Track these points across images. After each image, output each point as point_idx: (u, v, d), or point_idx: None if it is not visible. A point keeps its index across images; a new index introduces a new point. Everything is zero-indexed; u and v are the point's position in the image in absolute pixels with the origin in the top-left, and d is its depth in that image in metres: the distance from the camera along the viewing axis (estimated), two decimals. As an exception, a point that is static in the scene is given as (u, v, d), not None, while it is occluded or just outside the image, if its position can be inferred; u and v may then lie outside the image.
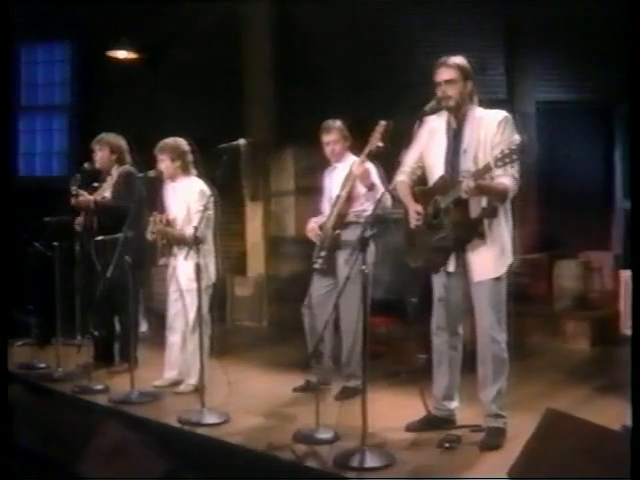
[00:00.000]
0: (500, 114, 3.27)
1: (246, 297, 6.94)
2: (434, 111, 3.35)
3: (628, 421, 2.41)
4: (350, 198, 4.17)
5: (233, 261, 6.76)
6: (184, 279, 4.41)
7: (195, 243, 4.07)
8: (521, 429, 3.09)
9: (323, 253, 4.19)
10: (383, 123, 3.93)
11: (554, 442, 2.46)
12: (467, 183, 3.11)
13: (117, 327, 4.97)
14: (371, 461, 3.11)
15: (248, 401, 4.11)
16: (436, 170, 3.38)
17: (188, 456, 3.35)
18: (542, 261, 6.21)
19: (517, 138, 3.09)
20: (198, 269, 4.00)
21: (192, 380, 4.34)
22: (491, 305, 3.28)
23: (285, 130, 6.83)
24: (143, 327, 5.63)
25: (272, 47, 6.94)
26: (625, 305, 5.04)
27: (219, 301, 4.97)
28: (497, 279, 3.28)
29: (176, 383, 4.47)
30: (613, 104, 6.58)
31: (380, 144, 3.93)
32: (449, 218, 3.28)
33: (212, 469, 3.28)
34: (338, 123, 4.28)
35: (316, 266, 4.21)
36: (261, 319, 6.91)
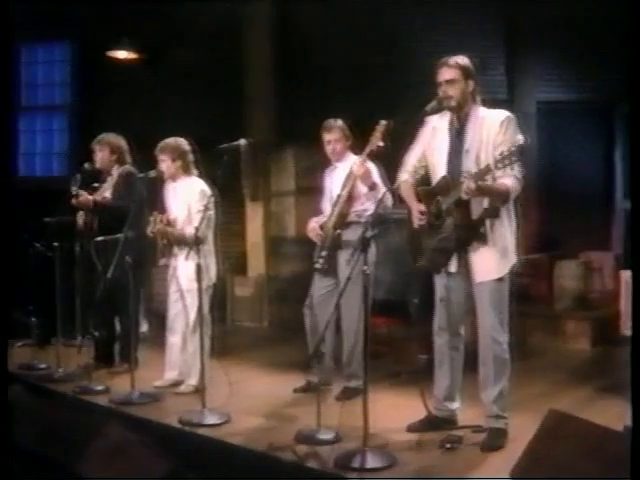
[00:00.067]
0: (503, 114, 3.26)
1: (246, 297, 6.94)
2: (435, 111, 3.35)
3: (629, 421, 2.40)
4: (351, 198, 4.17)
5: (233, 261, 6.76)
6: (184, 279, 4.40)
7: (196, 243, 4.07)
8: (522, 430, 3.09)
9: (324, 253, 4.18)
10: (384, 123, 3.93)
11: (556, 442, 2.46)
12: (468, 184, 3.10)
13: (117, 327, 4.96)
14: (372, 462, 3.11)
15: (249, 401, 4.10)
16: (439, 170, 3.37)
17: (189, 457, 3.34)
18: (542, 261, 6.21)
19: (520, 138, 3.09)
20: (199, 269, 4.00)
21: (193, 381, 4.34)
22: (493, 306, 3.28)
23: (285, 130, 6.83)
24: (143, 327, 5.62)
25: (272, 47, 6.94)
26: (625, 305, 5.03)
27: (219, 301, 4.97)
28: (499, 280, 3.28)
29: (177, 384, 4.47)
30: (613, 104, 6.57)
31: (381, 144, 3.92)
32: (450, 219, 3.28)
33: (213, 470, 3.28)
34: (339, 122, 4.28)
35: (317, 266, 4.21)
36: (261, 319, 6.90)
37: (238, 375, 4.47)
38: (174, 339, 4.54)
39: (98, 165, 4.96)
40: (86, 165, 4.94)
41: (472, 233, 3.28)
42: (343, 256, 4.12)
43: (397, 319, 4.93)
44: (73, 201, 4.81)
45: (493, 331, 3.29)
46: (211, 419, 3.76)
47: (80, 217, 4.92)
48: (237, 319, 6.96)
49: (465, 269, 3.34)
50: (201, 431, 3.66)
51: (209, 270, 4.34)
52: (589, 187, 6.70)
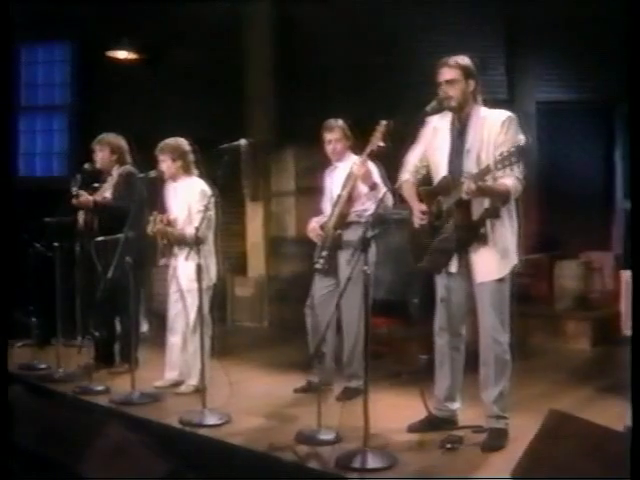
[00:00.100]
0: (504, 114, 3.26)
1: (247, 297, 6.94)
2: (435, 111, 3.35)
3: (629, 421, 2.40)
4: (351, 198, 4.16)
5: (233, 261, 6.76)
6: (185, 280, 4.40)
7: (196, 243, 4.07)
8: (523, 430, 3.08)
9: (324, 253, 4.18)
10: (384, 123, 3.93)
11: (557, 443, 2.46)
12: (468, 185, 3.10)
13: (118, 328, 4.96)
14: (373, 462, 3.11)
15: (249, 402, 4.10)
16: (440, 170, 3.37)
17: (189, 457, 3.34)
18: (543, 261, 6.21)
19: (521, 138, 3.09)
20: (199, 270, 3.99)
21: (193, 381, 4.34)
22: (493, 306, 3.28)
23: (286, 130, 6.83)
24: (144, 328, 5.62)
25: (272, 47, 6.94)
26: (626, 305, 5.03)
27: (220, 301, 4.97)
28: (500, 280, 3.27)
29: (177, 384, 4.47)
30: (613, 104, 6.57)
31: (381, 144, 3.92)
32: (451, 219, 3.28)
33: (213, 470, 3.28)
34: (340, 122, 4.28)
35: (317, 266, 4.20)
36: (262, 319, 6.90)
37: (238, 375, 4.47)
38: (174, 339, 4.54)
39: (98, 165, 4.96)
40: (86, 165, 4.94)
41: (472, 234, 3.28)
42: (343, 256, 4.12)
43: (397, 319, 4.92)
44: (73, 201, 4.80)
45: (494, 331, 3.29)
46: (211, 419, 3.76)
47: (80, 217, 4.92)
48: (237, 319, 6.96)
49: (466, 269, 3.34)
50: (201, 431, 3.66)
51: (209, 270, 4.34)
52: (589, 187, 6.71)
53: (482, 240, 3.27)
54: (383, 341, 4.91)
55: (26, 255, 5.22)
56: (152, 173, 4.45)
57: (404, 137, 3.51)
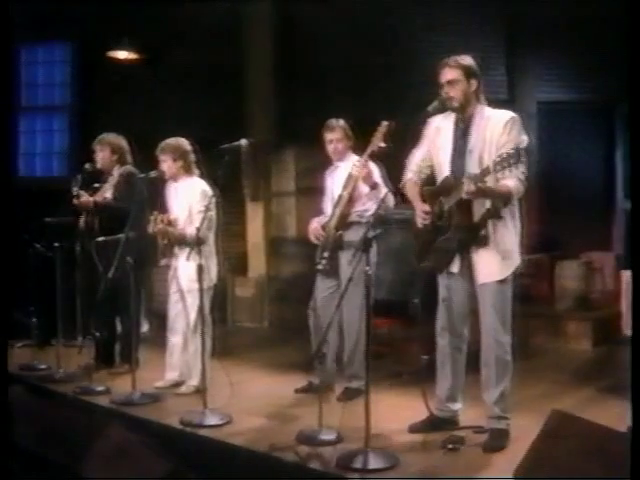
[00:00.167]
0: (507, 115, 3.25)
1: (247, 298, 6.94)
2: (437, 111, 3.35)
3: (629, 421, 2.40)
4: (352, 198, 4.16)
5: (234, 262, 6.75)
6: (185, 280, 4.39)
7: (197, 244, 4.06)
8: (525, 430, 3.09)
9: (326, 254, 4.17)
10: (385, 123, 3.92)
11: (560, 443, 2.45)
12: (467, 185, 3.09)
13: (118, 328, 4.96)
14: (374, 462, 3.10)
15: (250, 402, 4.10)
16: (443, 170, 3.37)
17: (190, 457, 3.34)
18: (544, 261, 6.21)
19: (524, 139, 3.08)
20: (200, 270, 3.99)
21: (193, 381, 4.33)
22: (495, 307, 3.27)
23: (286, 130, 6.82)
24: (144, 328, 5.62)
25: (273, 47, 6.94)
26: (627, 305, 5.03)
27: (220, 302, 4.96)
28: (502, 282, 3.27)
29: (177, 384, 4.46)
30: (614, 104, 6.57)
31: (382, 144, 3.92)
32: (452, 220, 3.27)
33: (214, 470, 3.28)
34: (341, 122, 4.27)
35: (319, 267, 4.19)
36: (262, 320, 6.90)
37: (239, 376, 4.46)
38: (175, 340, 4.54)
39: (99, 165, 4.95)
40: (87, 165, 4.94)
41: (473, 234, 3.28)
42: (344, 257, 4.11)
43: (398, 319, 4.92)
44: (74, 201, 4.80)
45: (495, 332, 3.29)
46: (212, 420, 3.76)
47: (81, 218, 4.92)
48: (238, 320, 6.96)
49: (468, 270, 3.33)
50: (202, 432, 3.66)
51: (210, 271, 4.33)
52: (590, 187, 6.71)
53: (483, 241, 3.27)
54: (384, 341, 4.91)
55: (26, 255, 5.22)
56: (153, 173, 4.44)
57: (405, 138, 3.51)
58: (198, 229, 4.05)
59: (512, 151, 2.95)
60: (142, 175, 4.56)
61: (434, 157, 3.44)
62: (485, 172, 3.08)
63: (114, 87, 7.33)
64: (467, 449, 3.28)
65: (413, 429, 3.52)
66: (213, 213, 4.29)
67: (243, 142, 4.19)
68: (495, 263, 3.26)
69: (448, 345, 3.46)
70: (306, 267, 4.93)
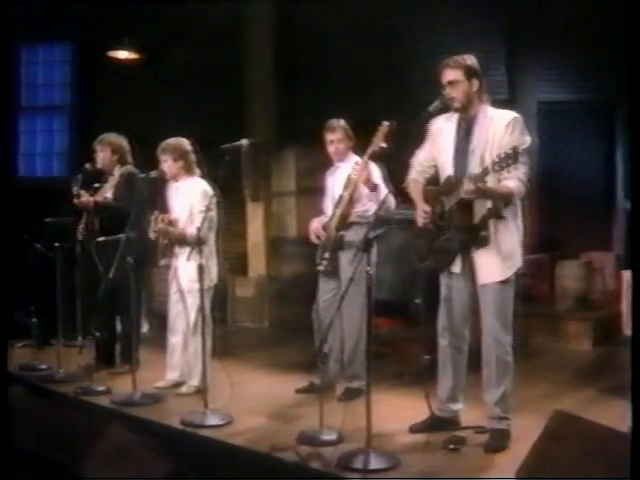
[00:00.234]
0: (510, 115, 3.24)
1: (247, 298, 6.94)
2: (438, 111, 3.34)
3: (629, 422, 2.40)
4: (353, 199, 4.15)
5: (234, 262, 6.75)
6: (185, 280, 4.39)
7: (197, 244, 4.06)
8: (526, 430, 3.09)
9: (327, 254, 4.17)
10: (386, 124, 3.92)
11: (562, 443, 2.45)
12: (467, 185, 3.09)
13: (119, 328, 4.95)
14: (375, 463, 3.10)
15: (251, 402, 4.09)
16: (446, 170, 3.37)
17: (191, 458, 3.34)
18: (544, 261, 6.20)
19: (527, 140, 3.08)
20: (201, 270, 3.98)
21: (194, 381, 4.33)
22: (496, 308, 3.27)
23: (286, 130, 6.82)
24: (144, 328, 5.62)
25: (273, 47, 6.94)
26: (627, 305, 5.02)
27: (220, 302, 4.96)
28: (503, 282, 3.26)
29: (178, 384, 4.46)
30: (614, 104, 6.57)
31: (383, 145, 3.91)
32: (452, 220, 3.27)
33: (215, 471, 3.28)
34: (342, 122, 4.27)
35: (320, 267, 4.19)
36: (262, 320, 6.90)
37: (239, 376, 4.46)
38: (175, 340, 4.54)
39: (99, 165, 4.95)
40: (87, 165, 4.94)
41: (474, 235, 3.27)
42: (345, 257, 4.11)
43: (399, 319, 4.92)
44: (74, 201, 4.80)
45: (496, 333, 3.28)
46: (213, 420, 3.76)
47: (82, 218, 4.91)
48: (238, 320, 6.95)
49: (469, 270, 3.33)
50: (203, 432, 3.65)
51: (210, 271, 4.33)
52: (590, 187, 6.71)
53: (484, 242, 3.26)
54: (384, 341, 4.90)
55: (26, 255, 5.21)
56: (153, 173, 4.44)
57: (406, 138, 3.50)
58: (199, 229, 4.05)
59: (510, 151, 2.95)
60: (143, 175, 4.56)
61: (437, 157, 3.44)
62: (485, 172, 3.08)
63: (114, 87, 7.34)
64: (468, 449, 3.28)
65: (414, 429, 3.52)
66: (214, 213, 4.28)
67: (244, 142, 4.19)
68: (496, 264, 3.25)
69: (449, 345, 3.45)
70: (306, 267, 4.92)
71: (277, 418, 3.89)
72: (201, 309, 4.16)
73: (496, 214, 3.24)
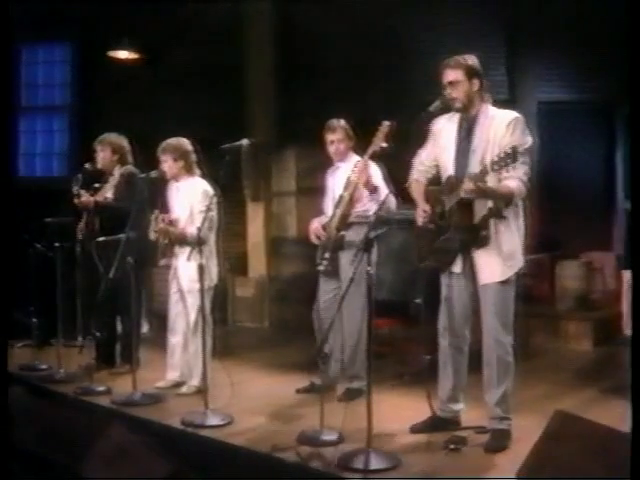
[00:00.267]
0: (511, 115, 3.24)
1: (247, 298, 6.94)
2: (439, 111, 3.34)
3: (629, 422, 2.40)
4: (353, 199, 4.15)
5: (234, 262, 6.75)
6: (185, 280, 4.39)
7: (198, 244, 4.06)
8: (527, 431, 3.09)
9: (327, 254, 4.17)
10: (387, 123, 3.92)
11: (563, 443, 2.45)
12: (466, 184, 3.09)
13: (119, 328, 4.95)
14: (376, 463, 3.10)
15: (251, 402, 4.09)
16: (448, 170, 3.37)
17: (191, 458, 3.34)
18: (544, 261, 6.20)
19: (528, 140, 3.08)
20: (201, 270, 3.98)
21: (194, 381, 4.33)
22: (496, 308, 3.27)
23: (287, 130, 6.82)
24: (144, 328, 5.61)
25: (273, 47, 6.94)
26: (627, 305, 5.02)
27: (220, 302, 4.96)
28: (504, 282, 3.26)
29: (178, 384, 4.45)
30: (615, 104, 6.56)
31: (384, 145, 3.91)
32: (452, 219, 3.27)
33: (215, 471, 3.28)
34: (342, 122, 4.26)
35: (321, 267, 4.18)
36: (262, 320, 6.89)
37: (240, 376, 4.46)
38: (175, 340, 4.53)
39: (100, 165, 4.95)
40: (87, 165, 4.93)
41: (474, 235, 3.27)
42: (345, 257, 4.11)
43: (399, 320, 4.91)
44: (75, 201, 4.80)
45: (496, 333, 3.28)
46: (213, 420, 3.75)
47: (82, 218, 4.91)
48: (238, 320, 6.95)
49: (470, 270, 3.33)
50: (203, 432, 3.65)
51: (210, 271, 4.32)
52: (590, 187, 6.70)
53: (483, 242, 3.26)
54: (385, 342, 4.90)
55: (27, 255, 5.21)
56: (153, 173, 4.44)
57: (407, 138, 3.50)
58: (199, 229, 4.05)
59: (510, 151, 2.95)
60: (143, 175, 4.56)
61: (439, 157, 3.44)
62: (484, 171, 3.08)
63: (114, 87, 7.33)
64: (469, 449, 3.28)
65: (415, 429, 3.52)
66: (214, 213, 4.28)
67: (244, 142, 4.19)
68: (497, 264, 3.25)
69: (449, 346, 3.45)
70: (307, 267, 4.92)
71: (277, 418, 3.89)
72: (201, 309, 4.15)
73: (497, 214, 3.24)
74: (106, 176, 4.96)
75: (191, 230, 4.22)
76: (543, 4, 6.35)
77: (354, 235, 4.07)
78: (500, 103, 3.49)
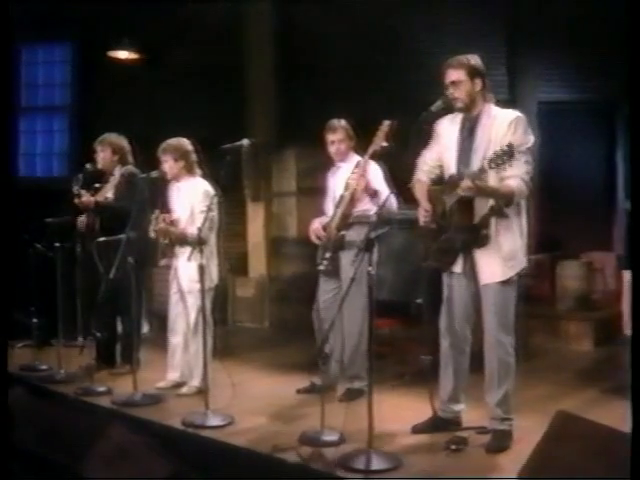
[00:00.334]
0: (512, 114, 3.24)
1: (248, 298, 6.93)
2: (440, 110, 3.34)
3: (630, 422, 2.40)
4: (354, 199, 4.14)
5: (234, 262, 6.74)
6: (186, 280, 4.39)
7: (198, 244, 4.05)
8: (528, 431, 3.10)
9: (327, 254, 4.16)
10: (387, 123, 3.92)
11: (565, 444, 2.45)
12: (464, 182, 3.09)
13: (119, 328, 4.95)
14: (377, 463, 3.10)
15: (252, 403, 4.09)
16: (451, 170, 3.36)
17: (192, 458, 3.33)
18: (544, 262, 6.19)
19: (530, 139, 3.08)
20: (202, 270, 3.98)
21: (195, 382, 4.32)
22: (497, 308, 3.26)
23: (287, 131, 6.81)
24: (144, 328, 5.61)
25: (274, 47, 6.93)
26: (628, 306, 5.02)
27: (221, 302, 4.95)
28: (504, 283, 3.25)
29: (179, 385, 4.45)
30: (615, 104, 6.55)
31: (384, 144, 3.91)
32: (452, 218, 3.27)
33: (216, 471, 3.27)
34: (343, 122, 4.26)
35: (321, 267, 4.18)
36: (263, 320, 6.89)
37: (240, 376, 4.45)
38: (175, 340, 4.53)
39: (100, 165, 4.94)
40: (88, 165, 4.93)
41: (474, 234, 3.27)
42: (346, 257, 4.10)
43: (400, 320, 4.91)
44: (75, 201, 4.79)
45: (497, 333, 3.28)
46: (214, 420, 3.75)
47: (81, 220, 4.90)
48: (238, 320, 6.95)
49: (471, 270, 3.33)
50: (204, 432, 3.65)
51: (211, 271, 4.32)
52: (591, 187, 6.70)
53: (483, 241, 3.25)
54: (385, 342, 4.89)
55: (27, 255, 5.20)
56: (154, 173, 4.44)
57: (407, 138, 3.50)
58: (200, 229, 4.04)
59: (506, 148, 2.94)
60: (143, 175, 4.55)
61: (442, 157, 3.43)
62: (482, 169, 3.07)
63: (114, 87, 7.32)
64: (470, 450, 3.28)
65: (416, 430, 3.52)
66: (215, 213, 4.28)
67: (244, 142, 4.18)
68: (498, 264, 3.25)
69: (451, 346, 3.45)
70: (307, 268, 4.91)
71: (278, 419, 3.89)
72: (202, 309, 4.15)
73: (498, 213, 3.23)
74: (106, 176, 4.96)
75: (192, 230, 4.22)
76: (543, 4, 6.35)
77: (355, 235, 4.07)
78: (500, 103, 3.49)
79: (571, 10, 6.18)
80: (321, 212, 4.44)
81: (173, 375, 4.52)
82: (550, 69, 6.70)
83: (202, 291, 4.06)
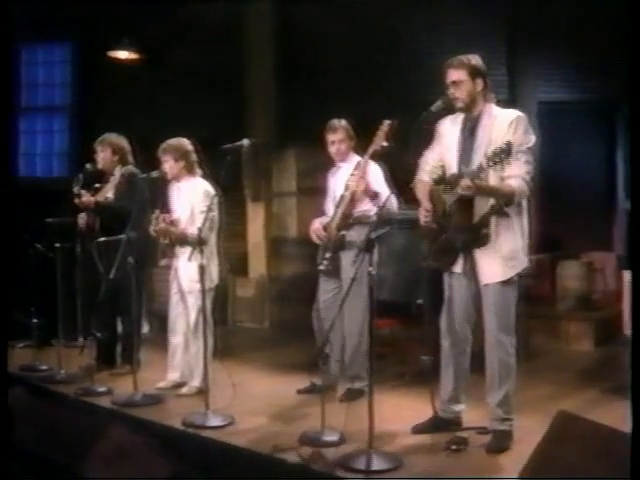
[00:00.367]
0: (513, 114, 3.24)
1: (248, 298, 6.93)
2: (440, 110, 3.34)
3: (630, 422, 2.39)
4: (354, 199, 4.14)
5: (234, 262, 6.74)
6: (186, 281, 4.39)
7: (199, 244, 4.05)
8: (528, 431, 3.10)
9: (328, 254, 4.16)
10: (387, 122, 3.92)
11: (566, 444, 2.45)
12: (463, 181, 3.09)
13: (119, 329, 4.94)
14: (378, 463, 3.10)
15: (252, 403, 4.09)
16: (452, 169, 3.36)
17: (192, 458, 3.33)
18: (545, 262, 6.19)
19: (531, 139, 3.08)
20: (202, 270, 3.98)
21: (195, 382, 4.32)
22: (498, 308, 3.26)
23: (287, 131, 6.81)
24: (145, 329, 5.61)
25: (274, 47, 6.93)
26: (628, 306, 5.02)
27: (221, 302, 4.95)
28: (505, 283, 3.25)
29: (179, 385, 4.45)
30: (615, 104, 6.56)
31: (385, 144, 3.91)
32: (452, 218, 3.27)
33: (216, 472, 3.27)
34: (343, 122, 4.25)
35: (321, 267, 4.18)
36: (263, 320, 6.89)
37: (240, 376, 4.45)
38: (176, 340, 4.53)
39: (100, 166, 4.94)
40: (88, 165, 4.93)
41: (474, 233, 3.27)
42: (346, 257, 4.10)
43: (400, 320, 4.91)
44: (75, 201, 4.79)
45: (498, 333, 3.28)
46: (214, 421, 3.75)
47: (82, 218, 4.90)
48: (238, 320, 6.94)
49: (471, 270, 3.32)
50: (204, 433, 3.65)
51: (211, 271, 4.32)
52: (591, 187, 6.70)
53: (484, 241, 3.25)
54: (386, 342, 4.89)
55: (27, 255, 5.20)
56: (154, 173, 4.44)
57: (407, 138, 3.50)
58: (200, 229, 4.04)
59: (504, 145, 2.94)
60: (144, 175, 4.55)
61: (444, 157, 3.43)
62: (480, 168, 3.07)
63: (114, 87, 7.32)
64: (470, 450, 3.28)
65: (416, 430, 3.52)
66: (215, 213, 4.28)
67: (244, 142, 4.18)
68: (498, 264, 3.24)
69: (451, 347, 3.45)
70: (307, 268, 4.91)
71: (279, 419, 3.89)
72: (202, 309, 4.14)
73: (498, 212, 3.23)
74: (107, 176, 4.96)
75: (192, 230, 4.22)
76: (543, 4, 6.35)
77: (355, 235, 4.07)
78: (500, 103, 3.49)
79: (571, 10, 6.18)
80: (321, 212, 4.44)
81: (173, 375, 4.52)
82: (550, 69, 6.70)
83: (202, 291, 4.06)
